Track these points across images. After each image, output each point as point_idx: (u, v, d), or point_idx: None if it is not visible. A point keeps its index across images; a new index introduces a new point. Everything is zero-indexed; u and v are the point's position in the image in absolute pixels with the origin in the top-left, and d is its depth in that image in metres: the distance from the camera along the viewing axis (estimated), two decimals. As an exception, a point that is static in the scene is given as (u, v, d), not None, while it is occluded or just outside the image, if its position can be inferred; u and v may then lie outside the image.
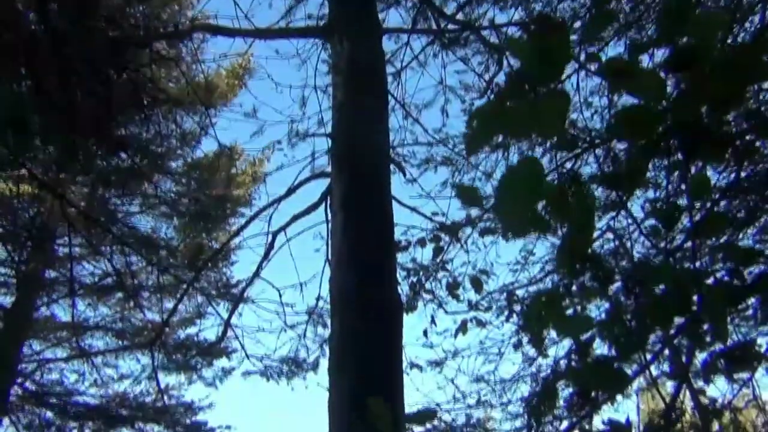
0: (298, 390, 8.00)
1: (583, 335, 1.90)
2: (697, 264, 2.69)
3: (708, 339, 2.22)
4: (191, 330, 10.35)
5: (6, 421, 9.46)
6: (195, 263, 7.79)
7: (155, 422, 10.17)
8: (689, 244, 3.20)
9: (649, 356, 3.37)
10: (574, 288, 2.11)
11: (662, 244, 2.31)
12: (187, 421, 10.55)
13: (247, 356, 7.74)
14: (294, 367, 7.75)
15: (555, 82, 1.64)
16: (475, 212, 5.30)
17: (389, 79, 5.77)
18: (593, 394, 2.22)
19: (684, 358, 2.22)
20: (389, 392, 3.65)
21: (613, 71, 1.66)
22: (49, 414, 9.75)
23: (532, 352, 4.73)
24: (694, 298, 2.10)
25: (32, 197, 6.32)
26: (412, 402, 5.11)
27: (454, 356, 5.67)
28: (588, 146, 4.52)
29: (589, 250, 1.89)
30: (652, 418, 2.11)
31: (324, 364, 7.77)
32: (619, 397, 4.24)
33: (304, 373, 7.89)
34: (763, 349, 3.20)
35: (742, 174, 4.13)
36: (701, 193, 1.91)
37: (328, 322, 4.57)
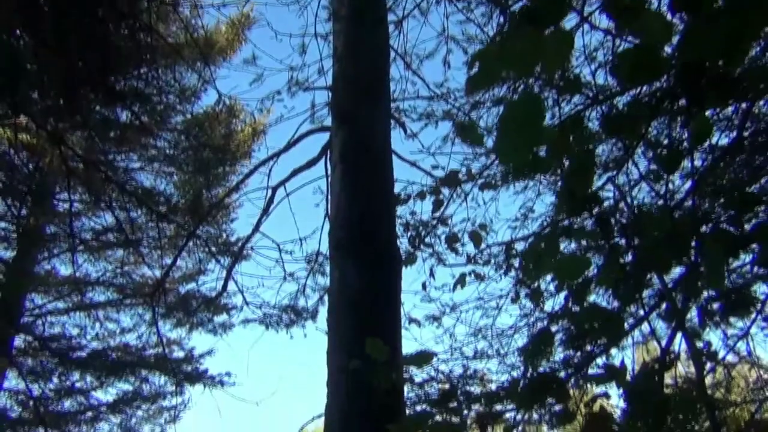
0: (297, 338, 8.09)
1: (581, 277, 1.91)
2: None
3: (703, 286, 2.24)
4: (192, 286, 10.48)
5: (9, 373, 9.63)
6: (196, 212, 7.79)
7: (156, 370, 10.33)
8: (689, 203, 3.20)
9: (646, 309, 3.40)
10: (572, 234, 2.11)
11: (662, 191, 2.31)
12: (188, 368, 10.71)
13: (246, 303, 7.81)
14: (293, 315, 7.82)
15: (559, 20, 1.62)
16: (475, 168, 5.30)
17: (390, 28, 5.68)
18: (589, 339, 2.24)
19: (679, 305, 2.24)
20: (388, 342, 3.69)
21: (619, 9, 1.63)
22: (51, 364, 9.89)
23: (529, 305, 4.77)
24: (693, 245, 2.11)
25: (31, 148, 6.29)
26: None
27: (453, 310, 5.73)
28: (591, 102, 4.47)
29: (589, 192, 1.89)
30: (646, 362, 2.13)
31: (323, 312, 7.86)
32: (614, 351, 4.28)
33: (303, 322, 7.96)
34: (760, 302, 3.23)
35: (744, 133, 4.10)
36: (703, 136, 1.90)
37: (327, 269, 4.59)
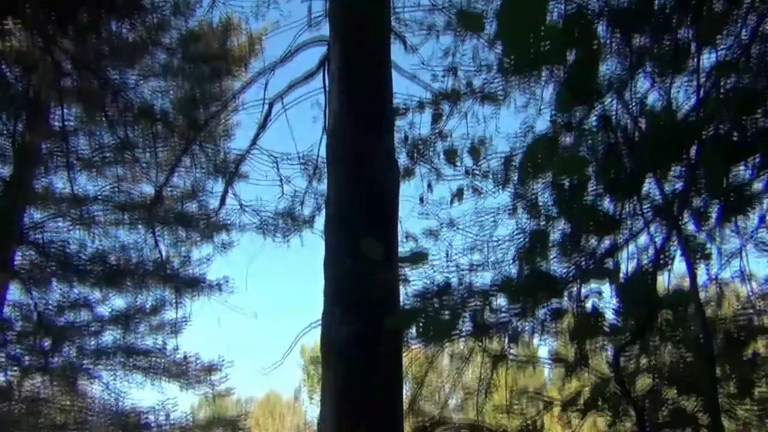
0: (295, 249, 8.07)
1: (579, 176, 1.89)
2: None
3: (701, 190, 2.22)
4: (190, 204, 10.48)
5: (12, 286, 9.78)
6: (192, 125, 7.71)
7: (154, 275, 10.41)
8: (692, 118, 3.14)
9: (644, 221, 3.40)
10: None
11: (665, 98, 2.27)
12: (186, 275, 10.79)
13: (242, 207, 7.82)
14: (290, 221, 7.80)
15: None
16: (477, 81, 5.20)
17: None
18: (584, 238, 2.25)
19: (675, 208, 2.24)
20: (385, 252, 3.72)
21: None
22: (52, 274, 10.01)
23: (527, 218, 4.76)
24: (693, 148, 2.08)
25: (21, 57, 6.15)
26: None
27: (450, 225, 5.73)
28: (597, 17, 4.34)
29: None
30: (640, 262, 2.15)
31: (319, 221, 7.83)
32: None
33: (301, 229, 7.91)
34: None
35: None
36: (711, 33, 1.84)
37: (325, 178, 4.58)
